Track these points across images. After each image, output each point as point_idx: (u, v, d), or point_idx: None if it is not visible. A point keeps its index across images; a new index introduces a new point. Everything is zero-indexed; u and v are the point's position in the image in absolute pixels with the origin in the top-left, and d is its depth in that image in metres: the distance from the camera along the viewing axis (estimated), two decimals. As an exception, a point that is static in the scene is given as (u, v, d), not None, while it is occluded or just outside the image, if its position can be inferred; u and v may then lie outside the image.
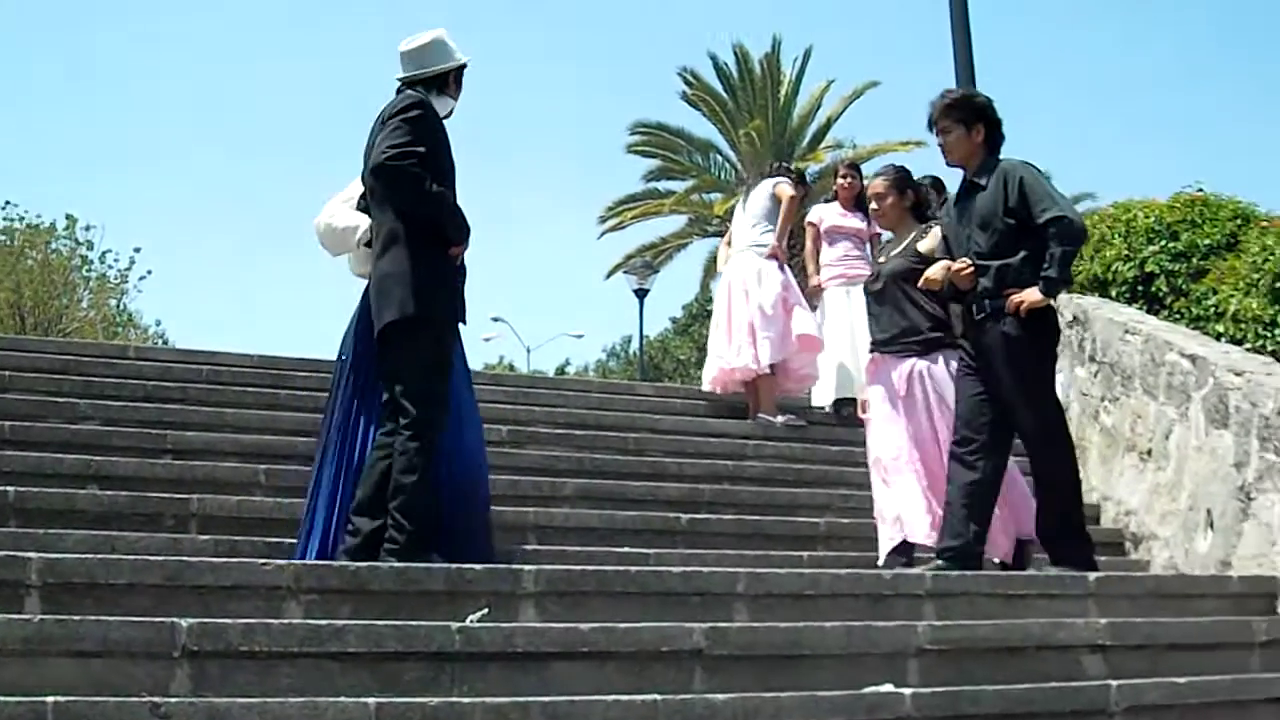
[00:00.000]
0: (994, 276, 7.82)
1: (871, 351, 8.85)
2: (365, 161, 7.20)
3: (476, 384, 7.89)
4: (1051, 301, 7.80)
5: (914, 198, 8.94)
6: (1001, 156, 8.11)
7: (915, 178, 9.12)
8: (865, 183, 11.59)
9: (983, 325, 7.90)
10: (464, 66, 7.47)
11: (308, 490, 7.24)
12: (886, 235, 9.68)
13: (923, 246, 8.57)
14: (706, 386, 11.75)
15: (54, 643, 4.77)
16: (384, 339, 7.00)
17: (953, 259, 8.06)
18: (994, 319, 7.83)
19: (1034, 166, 7.99)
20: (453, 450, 7.12)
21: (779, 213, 11.66)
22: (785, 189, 11.71)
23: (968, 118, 8.10)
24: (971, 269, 7.90)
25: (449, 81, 7.40)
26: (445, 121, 7.33)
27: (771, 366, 11.13)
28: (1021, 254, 7.77)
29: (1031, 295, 7.67)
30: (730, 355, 11.30)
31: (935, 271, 8.14)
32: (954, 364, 8.26)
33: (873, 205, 9.16)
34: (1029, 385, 7.81)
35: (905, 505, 8.28)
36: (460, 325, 7.30)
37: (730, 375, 11.38)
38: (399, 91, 7.29)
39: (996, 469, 7.90)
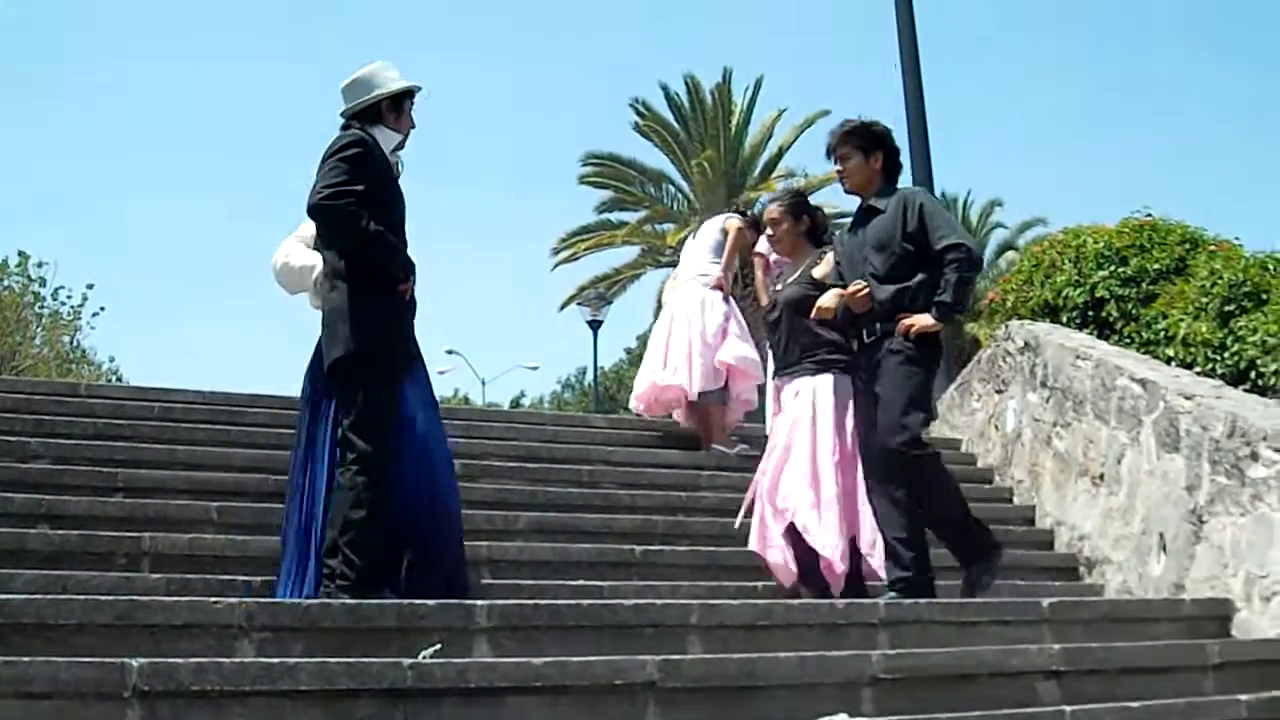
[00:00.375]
0: (889, 299, 7.86)
1: (774, 376, 8.92)
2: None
3: (430, 418, 7.85)
4: (938, 326, 7.86)
5: (809, 222, 8.93)
6: (900, 185, 8.29)
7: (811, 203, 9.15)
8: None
9: (874, 347, 7.91)
10: (405, 94, 7.41)
11: (280, 529, 7.24)
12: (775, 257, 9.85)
13: (817, 272, 8.53)
14: (633, 405, 11.81)
15: (3, 684, 4.71)
16: (332, 375, 7.00)
17: (845, 285, 8.04)
18: (884, 340, 7.85)
19: (932, 196, 8.04)
20: (416, 482, 7.09)
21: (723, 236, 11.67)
22: (733, 221, 11.75)
23: (866, 145, 8.18)
24: (867, 291, 7.90)
25: (383, 112, 7.32)
26: (403, 150, 7.39)
27: (724, 395, 11.12)
28: (918, 278, 7.85)
29: (923, 319, 7.75)
30: (665, 374, 11.29)
31: (828, 300, 8.11)
32: (852, 387, 8.25)
33: (768, 231, 9.16)
34: (905, 403, 7.73)
35: (798, 535, 8.15)
36: (413, 358, 7.28)
37: (661, 393, 11.36)
38: (341, 129, 7.30)
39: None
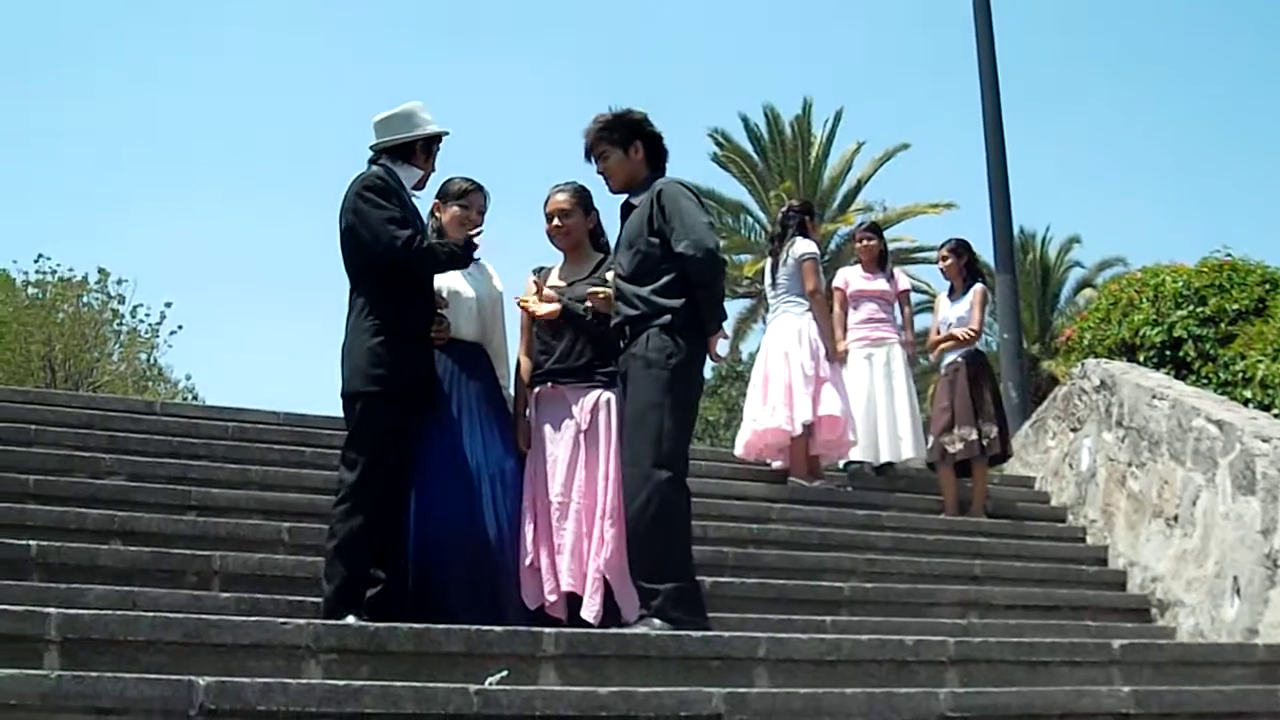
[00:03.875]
0: (635, 302, 7.29)
1: (545, 381, 7.79)
2: (341, 219, 7.29)
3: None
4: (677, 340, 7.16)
5: (595, 220, 8.08)
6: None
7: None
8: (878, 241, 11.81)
9: (625, 354, 7.34)
10: (436, 138, 7.54)
11: None
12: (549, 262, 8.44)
13: (610, 276, 7.72)
14: (739, 452, 11.59)
15: (71, 699, 4.75)
16: (344, 405, 7.24)
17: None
18: (631, 346, 7.27)
19: (686, 185, 7.52)
20: (424, 513, 7.31)
21: (804, 280, 11.47)
22: (809, 268, 11.50)
23: (623, 137, 7.54)
24: (605, 294, 7.51)
25: (414, 151, 7.46)
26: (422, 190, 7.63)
27: (807, 428, 11.06)
28: (665, 278, 7.24)
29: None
30: (764, 416, 11.20)
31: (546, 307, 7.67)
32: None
33: (555, 221, 7.94)
34: (655, 414, 7.07)
35: (560, 553, 7.44)
36: (433, 393, 7.41)
37: (763, 439, 11.26)
38: (370, 161, 7.44)
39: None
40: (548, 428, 7.73)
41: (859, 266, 12.48)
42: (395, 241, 7.04)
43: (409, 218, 7.25)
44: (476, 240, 7.51)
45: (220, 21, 72.57)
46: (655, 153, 7.66)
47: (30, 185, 64.78)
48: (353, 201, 7.17)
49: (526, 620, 7.10)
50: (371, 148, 7.46)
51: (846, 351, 11.93)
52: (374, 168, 7.35)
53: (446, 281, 7.67)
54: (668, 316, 7.17)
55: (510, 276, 8.15)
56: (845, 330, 12.16)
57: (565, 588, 7.37)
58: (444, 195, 7.88)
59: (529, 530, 7.52)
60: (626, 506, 7.14)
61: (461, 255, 7.42)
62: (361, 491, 6.93)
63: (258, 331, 71.27)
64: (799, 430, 10.99)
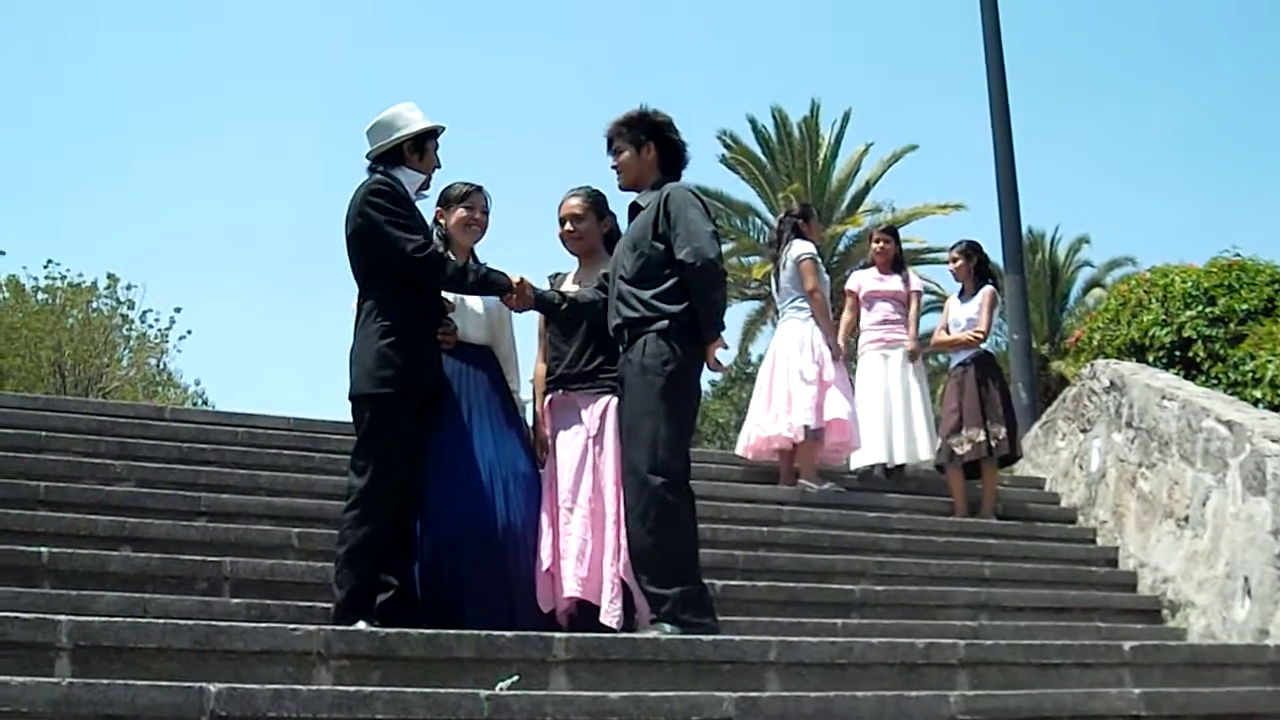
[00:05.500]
0: (635, 305, 7.26)
1: (557, 388, 7.84)
2: (347, 225, 7.28)
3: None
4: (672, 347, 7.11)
5: (610, 225, 8.09)
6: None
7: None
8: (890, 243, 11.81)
9: (623, 359, 7.32)
10: (425, 135, 7.47)
11: None
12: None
13: (603, 274, 7.67)
14: (740, 451, 11.66)
15: (82, 706, 4.76)
16: (353, 408, 7.22)
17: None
18: (628, 351, 7.25)
19: (694, 193, 7.45)
20: (436, 515, 7.31)
21: (802, 280, 11.48)
22: (807, 268, 11.52)
23: (638, 136, 7.53)
24: (520, 283, 7.41)
25: (405, 153, 7.40)
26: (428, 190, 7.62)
27: (816, 432, 11.07)
28: (668, 283, 7.20)
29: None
30: (768, 423, 11.25)
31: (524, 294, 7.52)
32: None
33: (567, 226, 8.02)
34: (650, 420, 7.04)
35: (566, 558, 7.46)
36: (440, 395, 7.42)
37: (768, 444, 11.30)
38: (369, 170, 7.43)
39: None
40: (560, 434, 7.73)
41: (872, 269, 12.49)
42: (406, 247, 7.06)
43: (417, 224, 7.26)
44: (517, 298, 7.47)
45: (233, 26, 72.73)
46: (670, 158, 7.60)
47: (35, 187, 64.93)
48: (359, 206, 7.16)
49: (538, 624, 7.11)
50: (366, 157, 7.44)
51: (849, 347, 12.01)
52: (376, 175, 7.33)
53: None
54: (665, 322, 7.13)
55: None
56: (855, 331, 12.20)
57: (570, 594, 7.37)
58: (445, 201, 7.88)
59: (546, 535, 7.52)
60: (627, 514, 7.12)
61: (487, 283, 7.40)
62: (372, 497, 6.93)
63: (267, 336, 71.34)
64: (801, 437, 11.01)
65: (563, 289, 7.93)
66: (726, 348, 7.38)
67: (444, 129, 7.56)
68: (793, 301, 11.46)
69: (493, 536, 7.35)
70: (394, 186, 7.23)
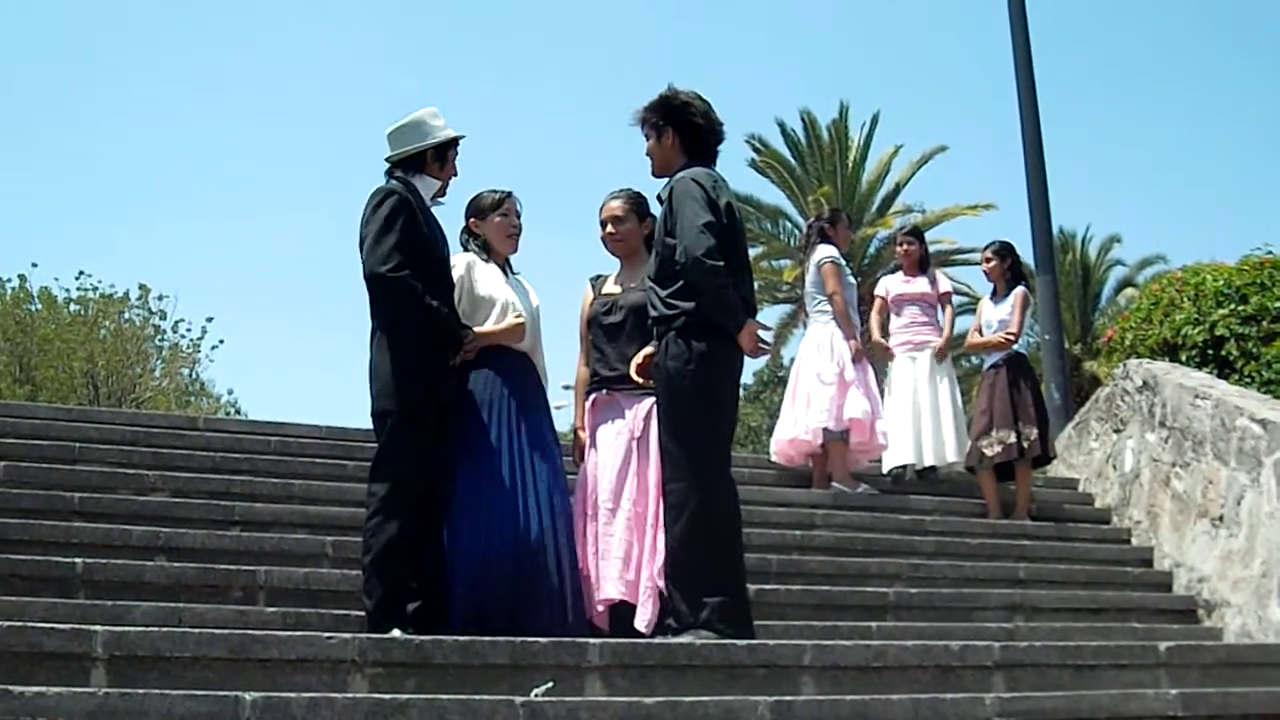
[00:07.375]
0: (657, 304, 7.14)
1: (601, 389, 7.72)
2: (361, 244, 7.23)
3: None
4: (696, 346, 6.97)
5: (651, 227, 7.74)
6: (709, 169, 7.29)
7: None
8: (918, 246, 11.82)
9: (654, 364, 7.19)
10: (448, 144, 7.45)
11: None
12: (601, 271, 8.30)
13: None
14: (773, 456, 11.70)
15: (118, 716, 4.76)
16: (374, 423, 7.20)
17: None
18: (657, 356, 7.13)
19: (698, 180, 7.08)
20: (470, 528, 7.22)
21: (823, 284, 11.58)
22: (828, 271, 11.61)
23: (658, 122, 7.29)
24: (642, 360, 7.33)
25: (428, 160, 7.38)
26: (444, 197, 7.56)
27: (842, 434, 11.07)
28: (681, 279, 7.01)
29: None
30: (788, 426, 11.36)
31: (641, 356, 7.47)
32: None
33: (609, 229, 7.85)
34: (681, 429, 6.99)
35: (606, 558, 7.37)
36: (459, 407, 7.39)
37: (795, 446, 11.34)
38: (387, 174, 7.39)
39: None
40: (601, 434, 7.64)
41: (899, 273, 12.50)
42: (379, 266, 6.99)
43: (425, 242, 7.20)
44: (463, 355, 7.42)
45: (263, 45, 72.93)
46: (693, 141, 7.32)
47: (68, 201, 65.18)
48: (366, 215, 7.14)
49: (581, 628, 7.11)
50: (386, 159, 7.40)
51: (885, 349, 12.06)
52: (391, 181, 7.29)
53: (504, 294, 7.65)
54: (681, 319, 7.00)
55: (546, 289, 8.13)
56: (884, 334, 12.24)
57: (611, 595, 7.29)
58: (479, 212, 7.83)
59: (580, 538, 7.46)
60: (667, 523, 7.05)
61: (446, 334, 7.24)
62: (392, 504, 6.91)
63: (299, 345, 71.51)
64: (819, 439, 11.05)
65: (605, 291, 7.90)
66: (768, 329, 7.18)
67: (464, 137, 7.53)
68: (817, 305, 11.54)
69: (531, 543, 7.28)
70: (406, 196, 7.17)
